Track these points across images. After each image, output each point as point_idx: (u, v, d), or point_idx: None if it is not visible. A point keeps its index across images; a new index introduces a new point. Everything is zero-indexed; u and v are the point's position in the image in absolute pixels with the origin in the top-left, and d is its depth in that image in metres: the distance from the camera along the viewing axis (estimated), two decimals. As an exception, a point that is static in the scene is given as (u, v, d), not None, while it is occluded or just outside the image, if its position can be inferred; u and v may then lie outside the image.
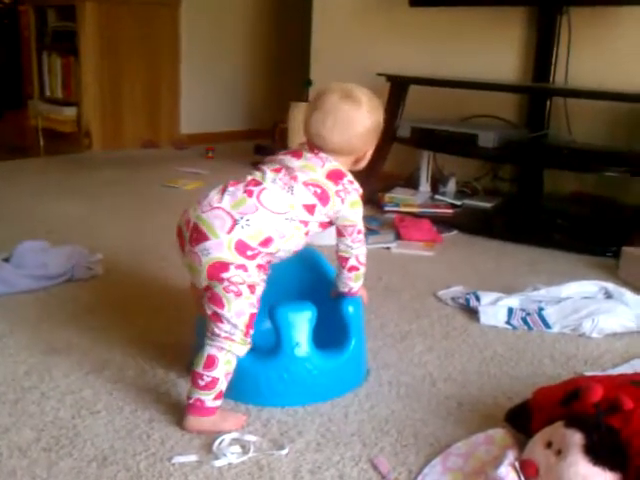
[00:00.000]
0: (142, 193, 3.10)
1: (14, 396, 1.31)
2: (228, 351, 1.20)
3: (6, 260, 1.93)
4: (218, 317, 1.20)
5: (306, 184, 1.24)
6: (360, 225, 1.31)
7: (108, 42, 4.13)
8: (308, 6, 3.84)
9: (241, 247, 1.19)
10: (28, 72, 4.69)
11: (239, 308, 1.20)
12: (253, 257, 1.20)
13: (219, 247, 1.18)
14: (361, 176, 1.34)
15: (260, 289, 1.23)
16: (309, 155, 1.28)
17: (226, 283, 1.19)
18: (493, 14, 3.10)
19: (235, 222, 1.19)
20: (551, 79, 2.94)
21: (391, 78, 2.97)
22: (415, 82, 2.99)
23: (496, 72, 3.09)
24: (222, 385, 1.21)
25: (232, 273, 1.19)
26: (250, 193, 1.22)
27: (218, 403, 1.22)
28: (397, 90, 3.00)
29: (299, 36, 4.34)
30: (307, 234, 1.27)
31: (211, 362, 1.20)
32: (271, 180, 1.24)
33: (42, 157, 3.99)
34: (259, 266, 1.22)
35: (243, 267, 1.19)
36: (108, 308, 1.76)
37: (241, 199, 1.21)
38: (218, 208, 1.21)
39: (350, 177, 1.30)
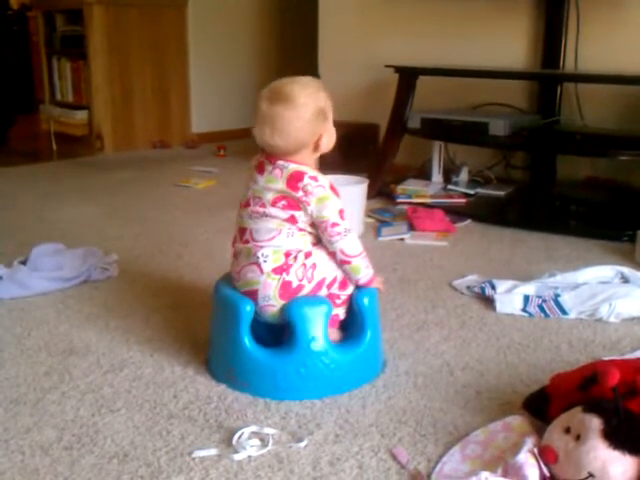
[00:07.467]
0: (155, 193, 3.12)
1: (34, 396, 1.32)
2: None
3: (22, 263, 1.95)
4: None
5: (273, 203, 1.30)
6: (334, 218, 1.30)
7: (116, 45, 4.14)
8: (314, 1, 3.83)
9: (278, 269, 1.31)
10: (39, 77, 4.73)
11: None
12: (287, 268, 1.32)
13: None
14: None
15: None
16: (270, 167, 1.31)
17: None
18: (500, 1, 3.08)
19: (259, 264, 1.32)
20: (561, 65, 2.92)
21: (400, 69, 2.96)
22: (424, 73, 2.98)
23: (505, 59, 3.07)
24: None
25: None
26: (247, 242, 1.34)
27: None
28: (406, 81, 2.99)
29: (306, 32, 4.33)
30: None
31: (344, 283, 1.36)
32: (248, 217, 1.34)
33: (55, 161, 4.02)
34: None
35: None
36: (125, 308, 1.77)
37: (247, 251, 1.34)
38: (244, 267, 1.34)
39: (311, 173, 1.30)
